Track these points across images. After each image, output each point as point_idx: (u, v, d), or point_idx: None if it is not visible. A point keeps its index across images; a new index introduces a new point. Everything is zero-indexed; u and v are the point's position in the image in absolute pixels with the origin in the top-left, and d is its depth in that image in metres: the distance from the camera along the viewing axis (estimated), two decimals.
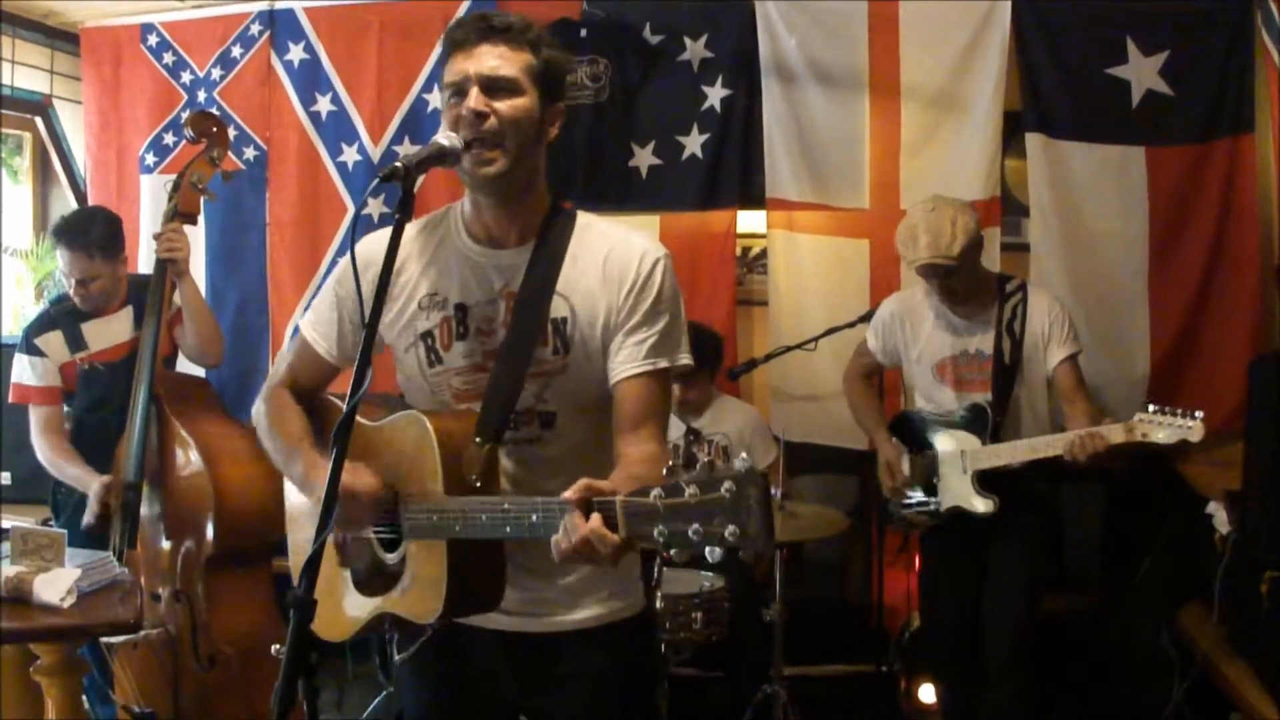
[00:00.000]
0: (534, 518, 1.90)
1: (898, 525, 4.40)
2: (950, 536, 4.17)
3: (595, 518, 1.78)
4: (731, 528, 1.62)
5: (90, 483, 4.12)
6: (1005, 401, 4.05)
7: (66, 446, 4.34)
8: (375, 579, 2.27)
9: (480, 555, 2.11)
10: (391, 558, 2.24)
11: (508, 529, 1.98)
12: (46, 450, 4.32)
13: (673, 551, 1.71)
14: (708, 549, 1.65)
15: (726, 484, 1.64)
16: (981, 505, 4.00)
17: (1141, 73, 4.90)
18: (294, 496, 2.50)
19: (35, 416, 4.36)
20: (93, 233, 4.27)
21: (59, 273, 4.35)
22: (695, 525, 1.65)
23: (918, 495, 4.21)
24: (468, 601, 2.16)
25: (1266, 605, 4.04)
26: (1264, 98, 4.84)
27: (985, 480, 4.00)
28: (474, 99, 2.12)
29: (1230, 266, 4.91)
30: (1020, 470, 3.97)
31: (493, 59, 2.14)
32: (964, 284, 4.04)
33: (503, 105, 2.13)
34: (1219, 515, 4.45)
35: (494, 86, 2.14)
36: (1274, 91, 4.79)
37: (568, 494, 1.82)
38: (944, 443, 4.13)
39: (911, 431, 4.28)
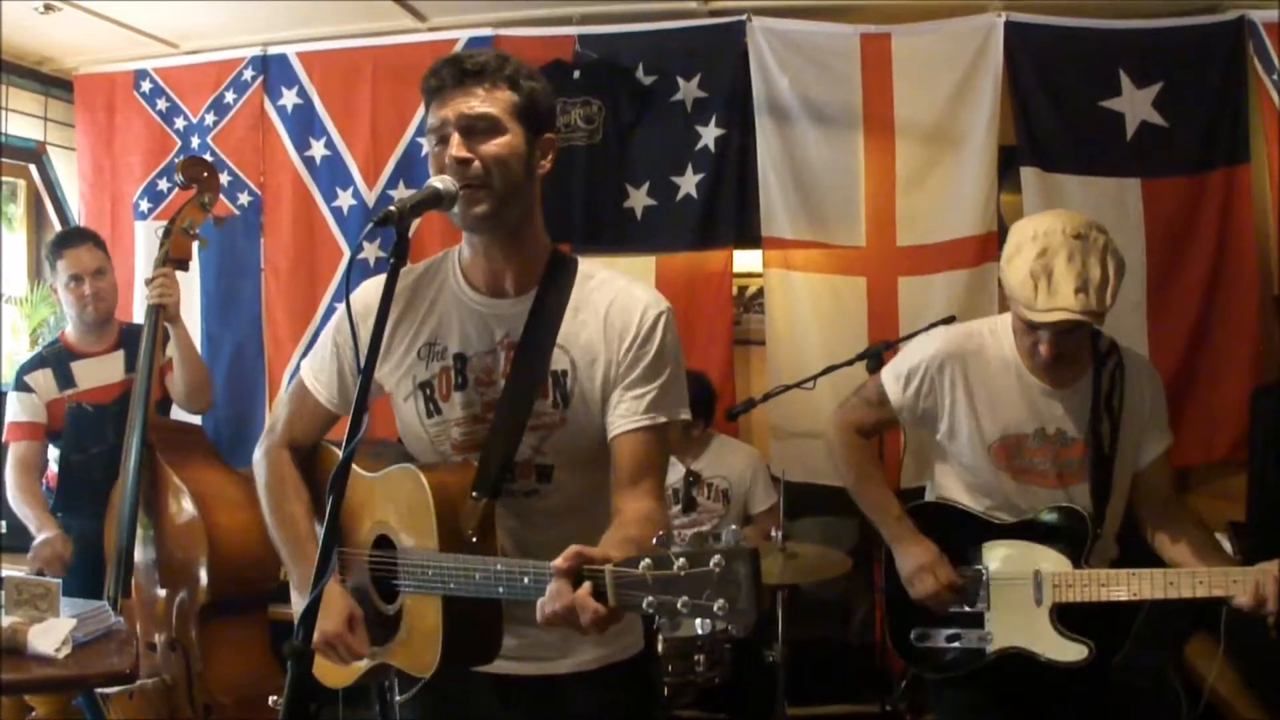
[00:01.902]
0: (526, 580, 1.89)
1: (921, 664, 3.19)
2: (989, 691, 3.09)
3: (585, 586, 1.76)
4: (720, 602, 1.60)
5: (40, 529, 4.17)
6: (1104, 507, 3.03)
7: (32, 486, 4.36)
8: (375, 628, 2.25)
9: (476, 609, 2.09)
10: (389, 608, 2.22)
11: (500, 589, 1.96)
12: (13, 486, 4.33)
13: (661, 621, 1.70)
14: (697, 621, 1.63)
15: (715, 558, 1.61)
16: (1069, 653, 2.95)
17: (1135, 105, 4.91)
18: None
19: (11, 451, 4.37)
20: (89, 231, 4.58)
21: (64, 283, 4.39)
22: (684, 598, 1.63)
23: (944, 631, 3.11)
24: (464, 654, 2.15)
25: (1273, 638, 4.01)
26: (1258, 128, 4.85)
27: (1068, 616, 2.98)
28: (455, 145, 2.10)
29: (1228, 297, 4.90)
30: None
31: (470, 102, 2.12)
32: (1078, 344, 2.98)
33: (486, 147, 2.11)
34: (1223, 546, 4.42)
35: (474, 129, 2.11)
36: (1268, 122, 4.79)
37: (558, 562, 1.78)
38: (1003, 558, 3.05)
39: (944, 536, 3.12)
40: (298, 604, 2.44)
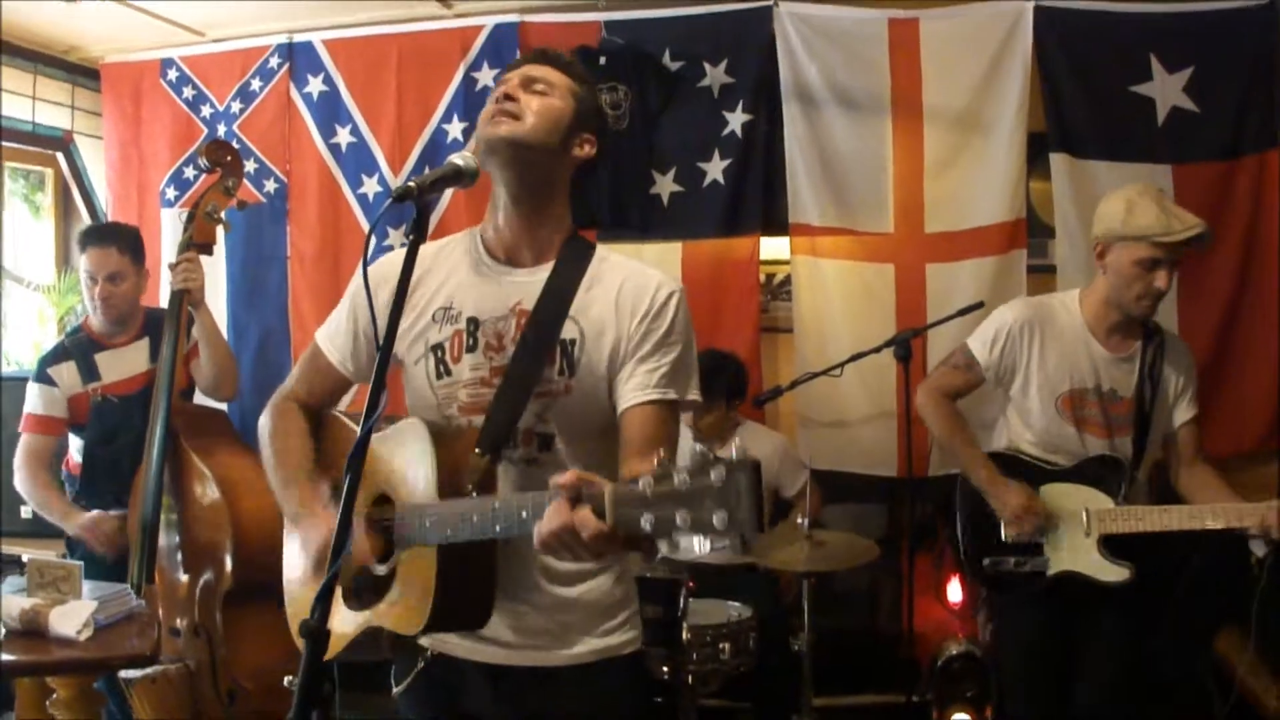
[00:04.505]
0: (523, 514, 1.87)
1: (994, 587, 3.84)
2: (1047, 605, 3.72)
3: (584, 507, 1.74)
4: (720, 513, 1.57)
5: (66, 522, 4.20)
6: (1141, 456, 3.70)
7: (44, 478, 4.35)
8: (365, 591, 2.25)
9: (470, 568, 2.10)
10: (382, 569, 2.21)
11: (498, 527, 1.94)
12: (26, 479, 4.32)
13: (662, 544, 1.67)
14: (696, 538, 1.60)
15: (717, 470, 1.59)
16: (1114, 574, 3.61)
17: (1166, 90, 4.86)
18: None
19: (23, 442, 4.35)
20: (120, 231, 4.47)
21: (83, 278, 4.39)
22: (683, 512, 1.60)
23: (1010, 558, 3.73)
24: (454, 615, 2.14)
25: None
26: None
27: (1113, 544, 3.62)
28: (510, 85, 2.24)
29: (1258, 284, 4.86)
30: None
31: (538, 70, 2.27)
32: (1132, 322, 3.68)
33: (533, 99, 2.23)
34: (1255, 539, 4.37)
35: (531, 84, 2.25)
36: None
37: (557, 478, 1.77)
38: (1060, 498, 3.69)
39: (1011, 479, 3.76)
40: (289, 536, 2.45)
